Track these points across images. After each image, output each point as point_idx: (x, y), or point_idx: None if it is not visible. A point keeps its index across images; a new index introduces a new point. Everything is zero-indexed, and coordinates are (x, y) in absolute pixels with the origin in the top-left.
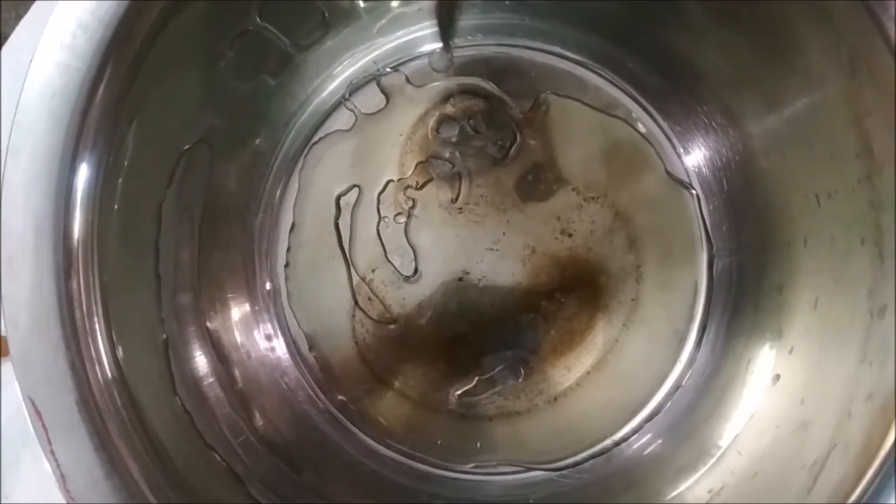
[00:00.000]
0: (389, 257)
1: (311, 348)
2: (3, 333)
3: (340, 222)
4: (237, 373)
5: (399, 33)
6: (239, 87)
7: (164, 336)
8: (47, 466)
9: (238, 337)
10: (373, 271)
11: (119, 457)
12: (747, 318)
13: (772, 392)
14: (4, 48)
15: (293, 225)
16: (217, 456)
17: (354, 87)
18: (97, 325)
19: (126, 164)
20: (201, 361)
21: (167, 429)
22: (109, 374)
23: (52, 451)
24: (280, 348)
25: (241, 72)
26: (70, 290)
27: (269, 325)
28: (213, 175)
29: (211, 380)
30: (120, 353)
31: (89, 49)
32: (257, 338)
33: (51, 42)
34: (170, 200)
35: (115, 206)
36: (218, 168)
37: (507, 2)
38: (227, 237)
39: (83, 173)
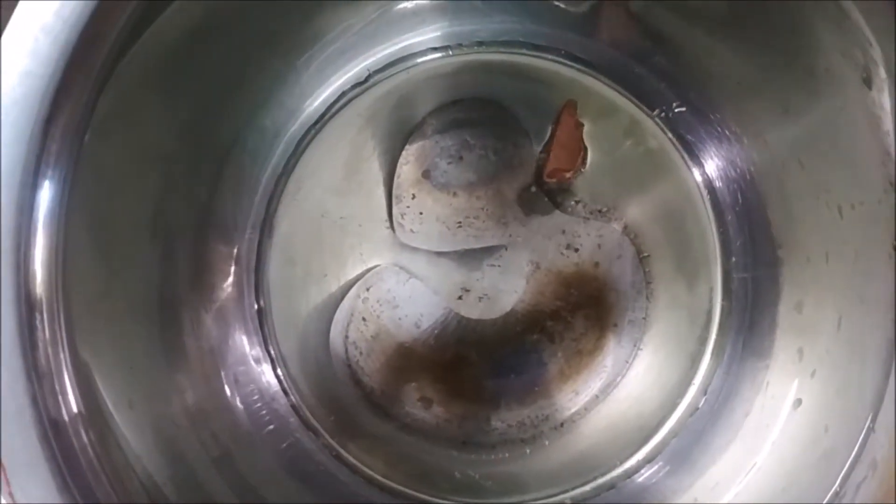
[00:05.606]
0: (385, 273)
1: (300, 371)
2: None
3: (333, 237)
4: (224, 398)
5: (393, 40)
6: (223, 96)
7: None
8: None
9: (226, 360)
10: (367, 290)
11: (85, 498)
12: (765, 339)
13: (793, 418)
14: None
15: (283, 241)
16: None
17: (348, 97)
18: (62, 356)
19: (96, 179)
20: (185, 388)
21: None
22: (75, 409)
23: (10, 493)
24: (268, 372)
25: (226, 80)
26: (32, 319)
27: (258, 349)
28: (197, 189)
29: (196, 406)
30: (89, 384)
31: (52, 54)
32: (246, 361)
33: (11, 47)
34: (149, 218)
35: (85, 226)
36: (202, 181)
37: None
38: (214, 255)
39: (46, 190)
